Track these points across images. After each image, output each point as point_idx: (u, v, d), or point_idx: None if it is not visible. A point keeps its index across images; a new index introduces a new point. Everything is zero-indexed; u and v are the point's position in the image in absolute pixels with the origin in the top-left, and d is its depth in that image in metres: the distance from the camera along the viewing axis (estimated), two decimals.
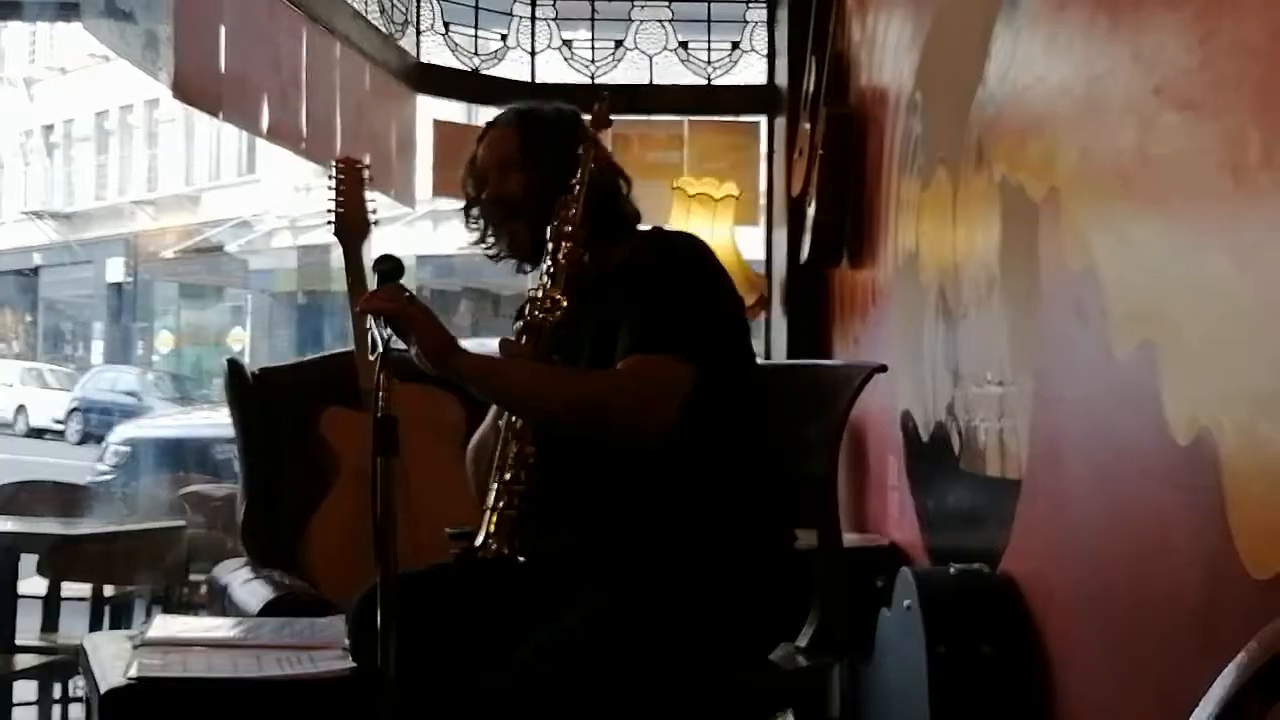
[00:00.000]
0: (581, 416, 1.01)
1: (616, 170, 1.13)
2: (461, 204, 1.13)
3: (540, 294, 1.04)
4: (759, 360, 1.17)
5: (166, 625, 1.24)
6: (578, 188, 1.06)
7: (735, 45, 2.50)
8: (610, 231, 1.10)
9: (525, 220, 1.09)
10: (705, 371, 1.01)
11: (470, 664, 0.98)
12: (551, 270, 1.05)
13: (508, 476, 0.99)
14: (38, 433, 11.02)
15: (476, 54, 2.50)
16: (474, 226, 1.13)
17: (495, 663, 0.95)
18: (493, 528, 0.98)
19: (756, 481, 1.07)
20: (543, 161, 1.08)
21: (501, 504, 0.98)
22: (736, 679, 1.04)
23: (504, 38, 2.51)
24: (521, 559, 0.97)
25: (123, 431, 4.94)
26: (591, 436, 1.03)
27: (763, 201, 2.51)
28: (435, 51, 2.47)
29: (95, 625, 1.94)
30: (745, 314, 1.20)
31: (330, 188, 1.61)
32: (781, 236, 2.38)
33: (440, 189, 2.70)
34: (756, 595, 1.05)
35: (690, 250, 1.10)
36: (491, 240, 1.12)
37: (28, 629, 1.90)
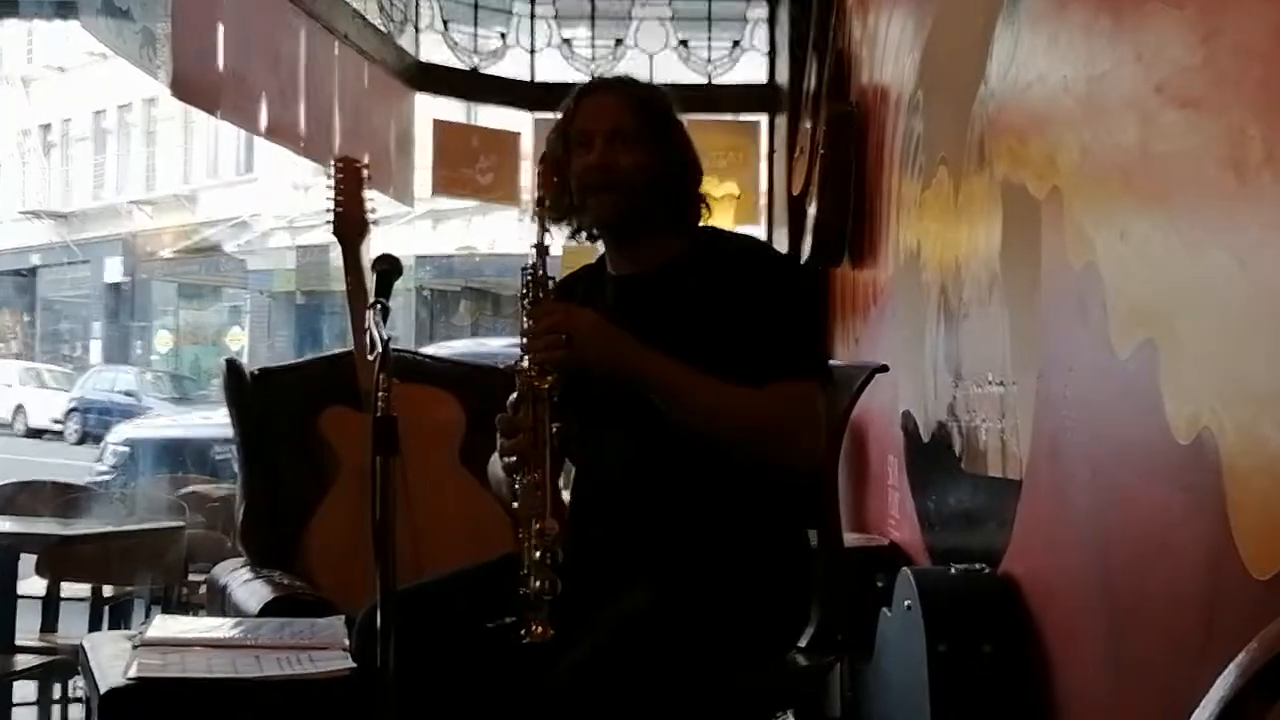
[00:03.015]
0: (751, 438, 1.01)
1: (683, 158, 1.08)
2: (541, 162, 1.08)
3: (526, 364, 1.01)
4: None
5: (166, 625, 1.23)
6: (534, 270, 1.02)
7: (736, 43, 2.50)
8: (668, 222, 1.08)
9: (621, 196, 1.06)
10: None
11: (513, 657, 0.97)
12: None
13: (536, 556, 0.95)
14: (36, 433, 11.02)
15: (476, 52, 2.50)
16: (549, 191, 1.05)
17: (539, 659, 0.94)
18: (536, 619, 0.94)
19: (799, 488, 1.09)
20: (660, 145, 1.06)
21: (537, 586, 0.95)
22: (738, 679, 1.05)
23: (503, 36, 2.51)
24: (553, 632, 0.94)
25: (121, 431, 4.94)
26: (748, 459, 1.02)
27: (763, 201, 2.50)
28: (434, 50, 2.47)
29: (95, 625, 1.95)
30: None
31: (329, 187, 1.61)
32: (782, 236, 2.38)
33: (439, 188, 2.70)
34: (793, 595, 1.06)
35: (800, 266, 1.12)
36: (568, 206, 1.07)
37: (27, 629, 1.89)
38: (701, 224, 1.12)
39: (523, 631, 0.94)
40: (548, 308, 1.01)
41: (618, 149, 1.06)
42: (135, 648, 1.10)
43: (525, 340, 1.01)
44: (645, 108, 1.08)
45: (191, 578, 2.07)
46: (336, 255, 1.60)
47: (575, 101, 1.09)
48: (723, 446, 1.02)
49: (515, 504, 0.99)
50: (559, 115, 1.10)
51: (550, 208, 1.03)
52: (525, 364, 1.01)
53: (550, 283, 1.03)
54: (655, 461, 1.05)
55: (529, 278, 1.02)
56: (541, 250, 1.02)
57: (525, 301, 1.02)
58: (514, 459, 1.00)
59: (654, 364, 1.01)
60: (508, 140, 2.64)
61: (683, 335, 1.03)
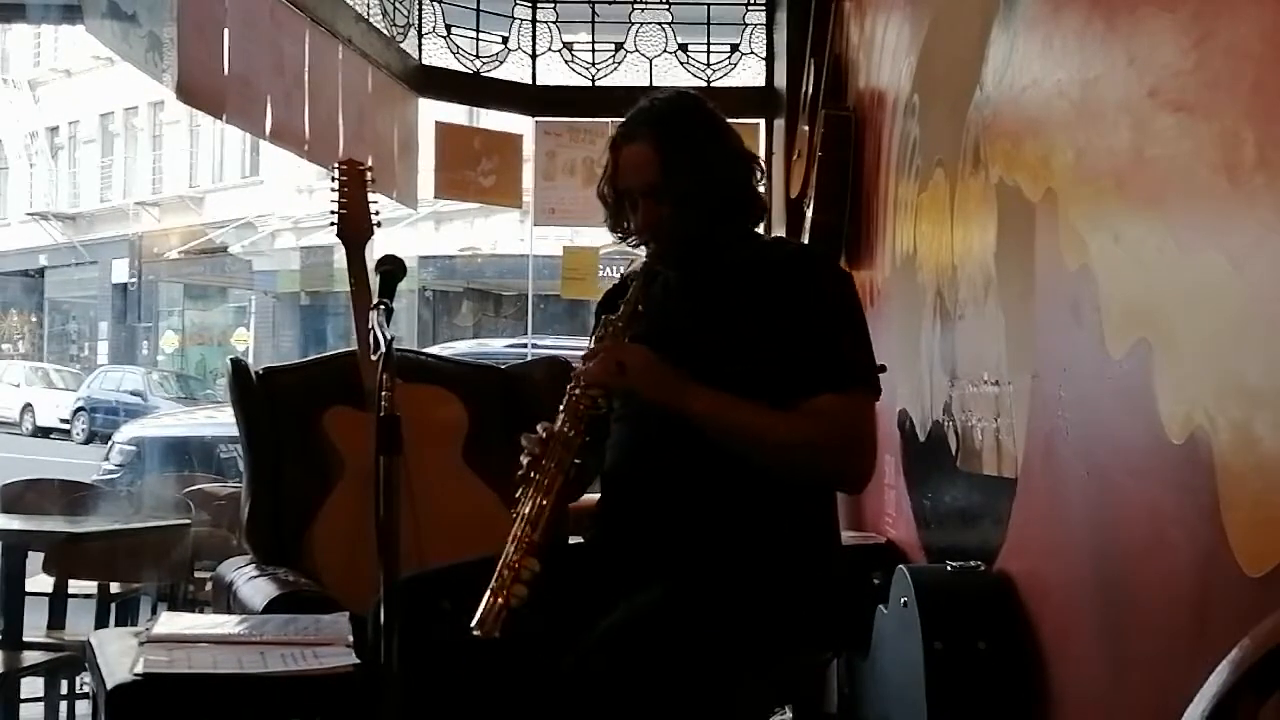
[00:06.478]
0: (796, 462, 1.04)
1: (723, 178, 1.10)
2: (603, 213, 1.15)
3: (579, 388, 1.06)
4: None
5: (172, 622, 1.25)
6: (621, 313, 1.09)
7: (734, 48, 2.51)
8: (725, 233, 1.11)
9: (671, 244, 1.11)
10: None
11: (543, 645, 0.99)
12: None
13: (514, 562, 0.98)
14: (44, 432, 11.09)
15: (478, 56, 2.52)
16: (618, 231, 1.14)
17: (564, 645, 0.96)
18: (489, 613, 0.96)
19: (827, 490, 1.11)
20: (695, 182, 1.09)
21: (504, 590, 0.97)
22: (736, 676, 1.05)
23: (505, 40, 2.53)
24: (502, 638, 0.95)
25: (128, 430, 4.96)
26: (799, 478, 1.05)
27: None
28: (437, 54, 2.49)
29: (101, 622, 1.96)
30: None
31: (333, 190, 1.63)
32: None
33: (442, 190, 2.71)
34: (816, 595, 1.07)
35: (847, 277, 1.15)
36: (634, 239, 1.14)
37: (35, 626, 1.91)
38: (775, 236, 1.16)
39: (473, 624, 0.95)
40: (607, 341, 1.08)
41: (655, 206, 1.10)
42: (142, 644, 1.11)
43: (582, 364, 1.07)
44: (674, 151, 1.09)
45: (197, 575, 2.09)
46: (341, 257, 1.61)
47: (613, 151, 1.13)
48: (772, 468, 1.04)
49: (514, 512, 1.02)
50: (604, 161, 1.14)
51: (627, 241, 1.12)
52: (578, 388, 1.06)
53: (615, 327, 1.09)
54: (688, 455, 1.06)
55: (603, 324, 1.10)
56: (636, 313, 1.09)
57: (593, 338, 1.10)
58: (529, 474, 1.03)
59: (698, 400, 1.04)
60: (510, 142, 2.65)
61: (733, 333, 1.06)
